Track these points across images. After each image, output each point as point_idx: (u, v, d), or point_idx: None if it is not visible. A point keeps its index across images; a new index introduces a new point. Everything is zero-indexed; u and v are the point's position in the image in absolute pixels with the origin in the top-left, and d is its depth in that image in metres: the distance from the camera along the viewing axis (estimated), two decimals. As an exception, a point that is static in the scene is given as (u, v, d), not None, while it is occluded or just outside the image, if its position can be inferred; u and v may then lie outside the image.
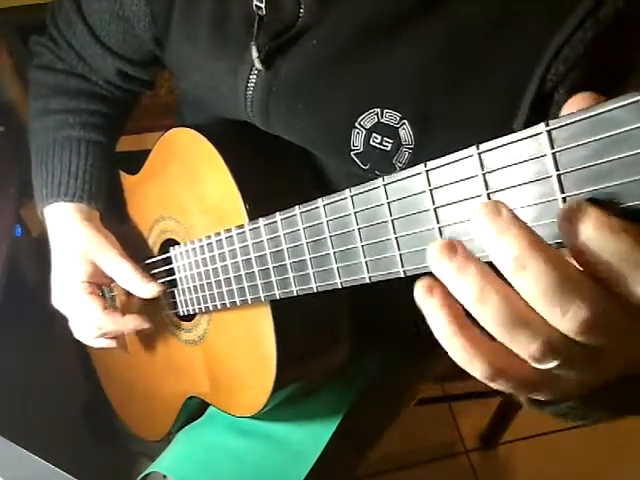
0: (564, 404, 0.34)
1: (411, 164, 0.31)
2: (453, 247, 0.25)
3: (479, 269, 0.25)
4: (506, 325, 0.24)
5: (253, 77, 0.53)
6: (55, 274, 0.67)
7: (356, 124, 0.49)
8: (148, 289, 0.63)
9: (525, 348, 0.25)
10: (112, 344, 0.69)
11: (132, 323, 0.66)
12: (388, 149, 0.48)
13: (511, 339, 0.25)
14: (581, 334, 0.23)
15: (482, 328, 0.26)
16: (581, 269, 0.24)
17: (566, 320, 0.23)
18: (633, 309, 0.23)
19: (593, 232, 0.22)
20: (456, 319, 0.26)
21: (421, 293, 0.27)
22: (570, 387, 0.28)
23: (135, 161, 0.71)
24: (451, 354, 0.27)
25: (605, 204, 0.23)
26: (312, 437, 0.67)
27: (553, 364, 0.25)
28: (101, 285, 0.67)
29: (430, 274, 0.27)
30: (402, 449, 1.32)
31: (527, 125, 0.25)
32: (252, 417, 0.61)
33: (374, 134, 0.49)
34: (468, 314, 0.26)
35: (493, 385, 0.27)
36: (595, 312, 0.23)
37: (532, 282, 0.23)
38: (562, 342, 0.24)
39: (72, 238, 0.66)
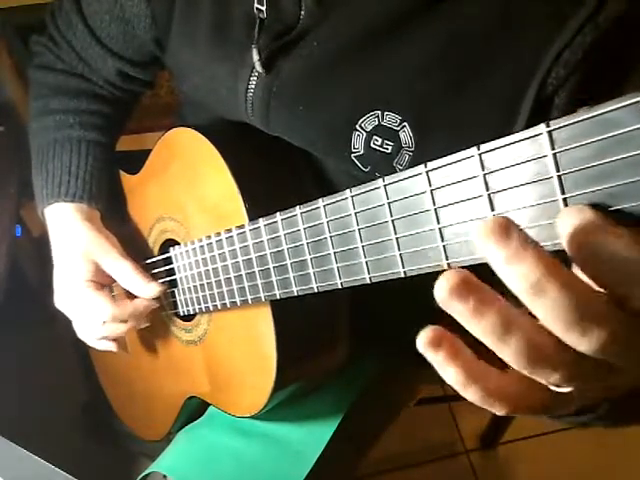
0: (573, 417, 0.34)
1: (412, 167, 0.31)
2: (465, 285, 0.23)
3: (497, 308, 0.23)
4: (530, 360, 0.24)
5: (253, 79, 0.53)
6: (58, 275, 0.67)
7: (357, 126, 0.49)
8: (149, 289, 0.63)
9: (546, 378, 0.24)
10: (113, 348, 0.69)
11: (142, 305, 0.65)
12: (389, 152, 0.48)
13: (533, 372, 0.24)
14: (600, 353, 0.23)
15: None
16: (591, 284, 0.23)
17: (586, 341, 0.22)
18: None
19: (602, 239, 0.22)
20: (467, 369, 0.25)
21: (426, 347, 0.25)
22: (582, 402, 0.28)
23: (135, 161, 0.71)
24: (469, 399, 0.26)
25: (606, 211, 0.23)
26: (312, 437, 0.67)
27: (572, 387, 0.25)
28: (104, 284, 0.67)
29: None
30: (402, 449, 1.32)
31: (527, 128, 0.25)
32: (252, 417, 0.61)
33: (375, 136, 0.49)
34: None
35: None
36: (613, 330, 0.22)
37: (552, 307, 0.22)
38: (580, 364, 0.24)
39: (73, 239, 0.66)
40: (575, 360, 0.24)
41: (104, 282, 0.67)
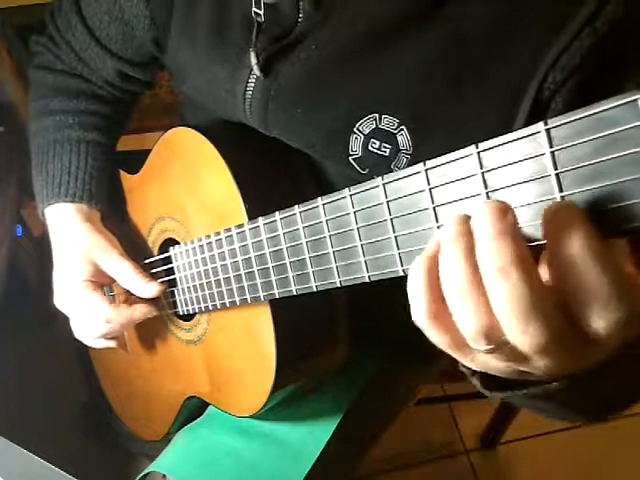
0: (508, 395, 0.36)
1: None
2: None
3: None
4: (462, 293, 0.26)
5: (252, 81, 0.53)
6: (57, 275, 0.67)
7: (354, 129, 0.49)
8: (149, 288, 0.64)
9: (469, 321, 0.26)
10: (112, 344, 0.69)
11: (139, 311, 0.65)
12: (386, 154, 0.49)
13: (461, 298, 0.26)
14: (533, 352, 0.25)
15: None
16: (549, 285, 0.25)
17: (523, 338, 0.24)
18: (587, 335, 0.25)
19: (580, 249, 0.23)
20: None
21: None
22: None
23: (135, 161, 0.71)
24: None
25: (602, 213, 0.23)
26: (312, 437, 0.67)
27: (484, 350, 0.27)
28: (103, 284, 0.68)
29: None
30: (402, 449, 1.32)
31: None
32: (252, 417, 0.61)
33: (372, 139, 0.49)
34: None
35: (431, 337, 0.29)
36: (552, 338, 0.24)
37: (509, 292, 0.24)
38: (498, 340, 0.26)
39: (73, 239, 0.66)
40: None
41: (104, 282, 0.67)
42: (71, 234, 0.66)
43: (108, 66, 0.68)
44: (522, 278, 0.24)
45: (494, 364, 0.29)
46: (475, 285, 0.25)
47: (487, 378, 0.36)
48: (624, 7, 0.40)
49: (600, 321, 0.24)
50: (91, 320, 0.66)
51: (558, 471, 1.30)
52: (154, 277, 0.66)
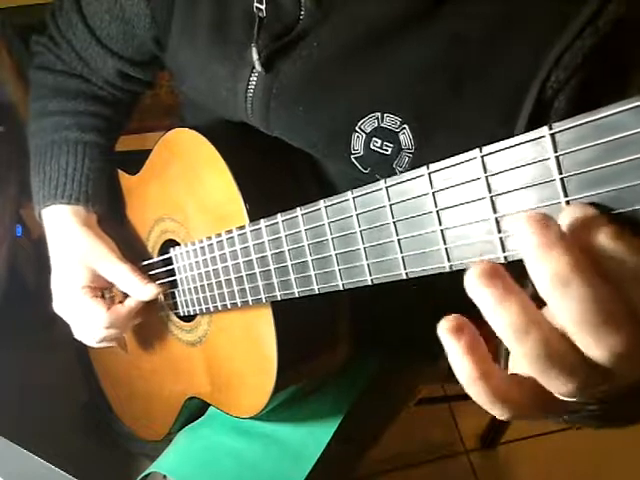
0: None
1: (411, 169, 0.31)
2: (495, 273, 0.24)
3: (521, 300, 0.23)
4: (545, 362, 0.23)
5: (253, 79, 0.53)
6: (55, 281, 0.67)
7: (356, 128, 0.49)
8: (147, 290, 0.63)
9: (559, 387, 0.24)
10: (112, 343, 0.69)
11: (133, 302, 0.65)
12: (388, 153, 0.48)
13: (547, 377, 0.24)
14: (614, 363, 0.23)
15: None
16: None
17: (602, 348, 0.22)
18: None
19: (608, 241, 0.22)
20: (482, 364, 0.25)
21: (448, 333, 0.25)
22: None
23: (135, 161, 0.71)
24: (473, 397, 0.26)
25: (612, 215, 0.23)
26: (312, 438, 0.67)
27: (582, 398, 0.25)
28: (102, 289, 0.68)
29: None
30: (402, 449, 1.32)
31: (527, 131, 0.25)
32: (253, 418, 0.61)
33: (374, 138, 0.48)
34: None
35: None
36: (629, 339, 0.22)
37: (572, 302, 0.22)
38: (589, 373, 0.24)
39: (70, 244, 0.66)
40: (585, 367, 0.23)
41: (102, 287, 0.67)
42: (68, 238, 0.66)
43: (109, 66, 0.68)
44: (584, 278, 0.22)
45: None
46: (530, 314, 0.23)
47: None
48: (626, 6, 0.40)
49: None
50: (91, 326, 0.66)
51: (558, 471, 1.30)
52: (155, 278, 0.66)
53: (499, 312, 0.23)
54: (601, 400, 0.30)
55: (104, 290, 0.68)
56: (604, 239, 0.22)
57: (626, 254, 0.22)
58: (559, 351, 0.23)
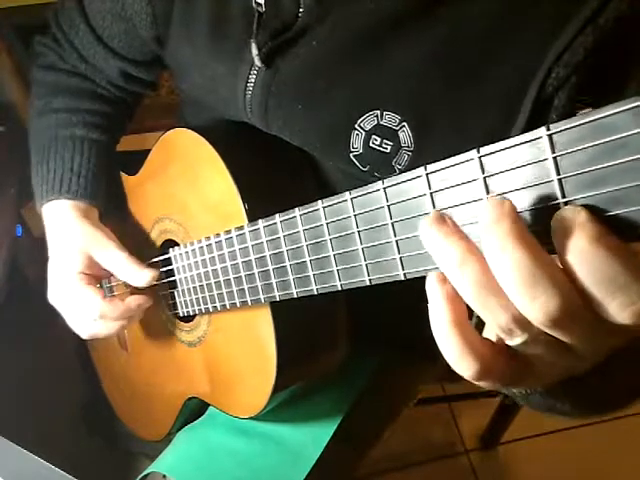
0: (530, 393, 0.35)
1: (410, 167, 0.31)
2: (443, 218, 0.27)
3: (464, 238, 0.26)
4: (482, 290, 0.25)
5: (252, 77, 0.53)
6: (51, 269, 0.66)
7: (356, 126, 0.49)
8: (143, 275, 0.63)
9: (495, 317, 0.26)
10: (104, 336, 0.67)
11: (134, 303, 0.64)
12: (387, 151, 0.48)
13: (483, 306, 0.26)
14: (546, 326, 0.24)
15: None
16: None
17: (533, 309, 0.24)
18: (603, 320, 0.24)
19: (587, 245, 0.23)
20: (458, 314, 0.27)
21: (434, 281, 0.28)
22: (542, 375, 0.30)
23: (135, 161, 0.71)
24: (443, 349, 0.27)
25: (605, 219, 0.23)
26: (312, 438, 0.67)
27: (520, 340, 0.26)
28: (97, 277, 0.67)
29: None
30: (402, 449, 1.32)
31: (527, 129, 0.25)
32: (252, 418, 0.61)
33: (374, 136, 0.48)
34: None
35: (476, 383, 0.28)
36: (563, 308, 0.23)
37: (509, 264, 0.23)
38: (528, 323, 0.25)
39: (69, 233, 0.65)
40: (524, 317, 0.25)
41: (98, 275, 0.66)
42: (67, 228, 0.66)
43: (111, 65, 0.68)
44: (520, 245, 0.23)
45: (545, 366, 0.29)
46: (485, 275, 0.25)
47: None
48: (628, 4, 0.40)
49: (622, 312, 0.23)
50: (83, 315, 0.64)
51: (558, 471, 1.30)
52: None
53: (445, 246, 0.26)
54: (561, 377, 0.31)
55: (106, 288, 0.68)
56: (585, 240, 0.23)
57: (603, 258, 0.23)
58: (496, 284, 0.25)
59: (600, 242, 0.23)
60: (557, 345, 0.26)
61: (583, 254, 0.23)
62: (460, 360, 0.27)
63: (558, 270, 0.24)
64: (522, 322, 0.25)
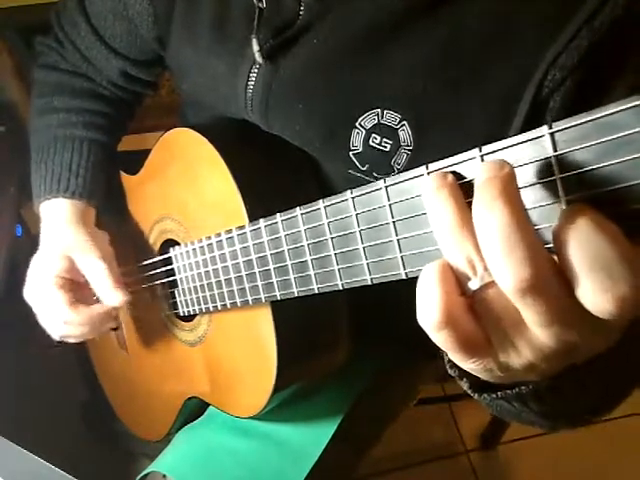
0: (498, 396, 0.35)
1: (409, 166, 0.31)
2: (446, 175, 0.27)
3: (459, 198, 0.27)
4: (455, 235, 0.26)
5: (253, 75, 0.53)
6: (32, 266, 0.66)
7: (356, 124, 0.49)
8: (115, 295, 0.62)
9: (470, 261, 0.26)
10: (76, 340, 0.67)
11: (98, 311, 0.64)
12: (387, 150, 0.48)
13: (460, 248, 0.26)
14: (516, 292, 0.24)
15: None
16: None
17: (505, 270, 0.24)
18: (578, 304, 0.24)
19: (587, 227, 0.22)
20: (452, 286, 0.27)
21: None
22: (505, 366, 0.29)
23: (135, 161, 0.71)
24: (419, 288, 0.28)
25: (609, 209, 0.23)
26: (312, 438, 0.67)
27: (478, 282, 0.26)
28: (75, 283, 0.66)
29: None
30: (402, 449, 1.32)
31: (523, 130, 0.25)
32: (252, 417, 0.61)
33: (374, 134, 0.49)
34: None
35: (437, 339, 0.27)
36: (534, 278, 0.23)
37: (494, 223, 0.24)
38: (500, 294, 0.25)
39: (58, 235, 0.65)
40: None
41: (76, 280, 0.66)
42: (58, 229, 0.66)
43: (112, 65, 0.68)
44: (507, 208, 0.23)
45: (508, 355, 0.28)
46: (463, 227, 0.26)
47: (476, 381, 0.36)
48: (623, 7, 0.40)
49: (602, 296, 0.23)
50: (52, 317, 0.65)
51: (558, 471, 1.30)
52: (153, 278, 0.66)
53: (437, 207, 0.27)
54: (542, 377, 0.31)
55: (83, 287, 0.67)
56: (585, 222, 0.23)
57: (602, 241, 0.22)
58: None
59: (601, 226, 0.22)
60: (517, 315, 0.26)
61: (583, 235, 0.23)
62: (426, 303, 0.27)
63: (538, 241, 0.24)
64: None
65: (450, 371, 0.36)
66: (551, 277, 0.24)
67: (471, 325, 0.27)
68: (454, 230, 0.26)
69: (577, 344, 0.26)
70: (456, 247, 0.26)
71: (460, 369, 0.33)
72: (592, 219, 0.23)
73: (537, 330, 0.26)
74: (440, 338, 0.27)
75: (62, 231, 0.65)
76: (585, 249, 0.23)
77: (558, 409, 0.38)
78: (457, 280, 0.27)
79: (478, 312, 0.27)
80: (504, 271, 0.24)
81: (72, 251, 0.64)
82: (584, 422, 0.43)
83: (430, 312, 0.26)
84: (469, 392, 0.37)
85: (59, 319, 0.64)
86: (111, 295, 0.63)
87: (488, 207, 0.24)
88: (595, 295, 0.23)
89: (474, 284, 0.26)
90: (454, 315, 0.26)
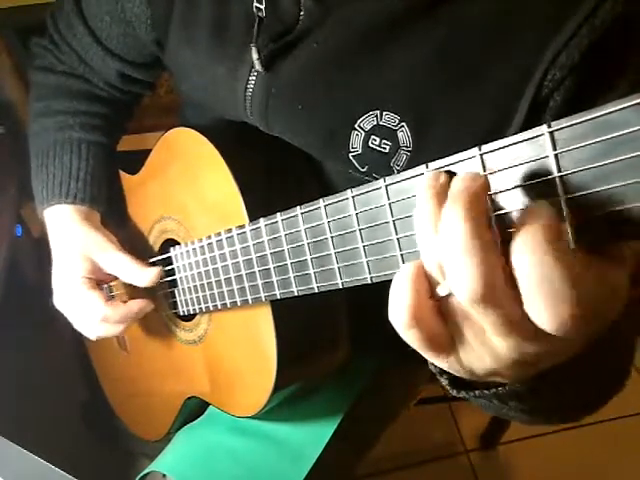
0: (477, 395, 0.36)
1: (408, 167, 0.31)
2: (439, 176, 0.28)
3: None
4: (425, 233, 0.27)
5: (252, 78, 0.53)
6: (55, 274, 0.67)
7: (356, 126, 0.49)
8: (147, 274, 0.63)
9: (440, 267, 0.27)
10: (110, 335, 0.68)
11: (136, 306, 0.65)
12: (386, 151, 0.48)
13: (432, 253, 0.27)
14: (469, 302, 0.25)
15: None
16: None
17: (460, 280, 0.25)
18: (527, 317, 0.25)
19: (541, 243, 0.23)
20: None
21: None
22: (468, 369, 0.30)
23: (135, 161, 0.71)
24: (392, 288, 0.28)
25: (604, 216, 0.23)
26: (311, 438, 0.67)
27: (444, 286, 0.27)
28: (101, 281, 0.67)
29: None
30: (402, 449, 1.32)
31: (523, 129, 0.25)
32: (252, 417, 0.61)
33: (373, 136, 0.49)
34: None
35: (406, 337, 0.29)
36: (488, 287, 0.24)
37: (457, 231, 0.25)
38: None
39: (71, 238, 0.66)
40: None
41: (102, 279, 0.67)
42: (69, 234, 0.66)
43: (109, 67, 0.68)
44: (471, 219, 0.24)
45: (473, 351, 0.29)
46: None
47: (456, 378, 0.36)
48: (622, 5, 0.40)
49: (546, 312, 0.24)
50: (87, 318, 0.65)
51: (558, 471, 1.30)
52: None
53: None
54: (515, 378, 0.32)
55: (105, 288, 0.68)
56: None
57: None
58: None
59: (553, 245, 0.23)
60: (476, 325, 0.27)
61: (535, 254, 0.23)
62: (396, 302, 0.28)
63: (493, 255, 0.25)
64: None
65: (431, 367, 0.37)
66: (503, 290, 0.25)
67: (438, 327, 0.28)
68: (428, 234, 0.27)
69: (537, 354, 0.27)
70: (429, 251, 0.27)
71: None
72: (544, 237, 0.23)
73: (496, 340, 0.27)
74: (408, 336, 0.28)
75: (73, 233, 0.66)
76: (533, 266, 0.23)
77: (538, 407, 0.38)
78: (429, 283, 0.28)
79: (445, 316, 0.28)
80: (458, 281, 0.25)
81: (90, 252, 0.65)
82: (567, 420, 0.44)
83: (399, 312, 0.28)
84: (448, 388, 0.38)
85: (96, 318, 0.64)
86: (143, 276, 0.63)
87: (449, 219, 0.25)
88: (539, 312, 0.24)
89: (442, 290, 0.28)
90: (422, 316, 0.28)
